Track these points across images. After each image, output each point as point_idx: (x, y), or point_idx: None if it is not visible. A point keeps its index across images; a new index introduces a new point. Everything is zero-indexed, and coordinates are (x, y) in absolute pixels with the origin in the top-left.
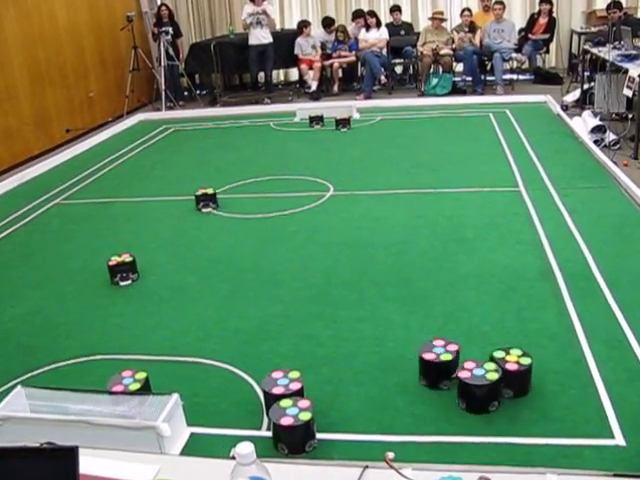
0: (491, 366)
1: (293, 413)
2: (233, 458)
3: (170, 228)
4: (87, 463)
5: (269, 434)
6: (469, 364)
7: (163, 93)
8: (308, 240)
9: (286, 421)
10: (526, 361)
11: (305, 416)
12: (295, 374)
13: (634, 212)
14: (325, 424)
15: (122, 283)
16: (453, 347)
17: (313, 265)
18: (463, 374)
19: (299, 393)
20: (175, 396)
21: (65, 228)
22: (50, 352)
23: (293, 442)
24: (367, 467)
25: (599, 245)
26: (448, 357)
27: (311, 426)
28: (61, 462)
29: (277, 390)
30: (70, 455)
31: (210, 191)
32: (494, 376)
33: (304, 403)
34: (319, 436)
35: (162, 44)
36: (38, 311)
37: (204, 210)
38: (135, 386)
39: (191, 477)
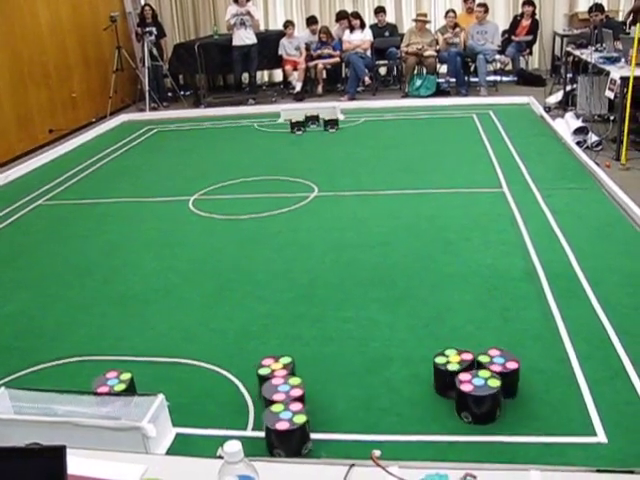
0: (486, 373)
1: (287, 417)
2: (220, 457)
3: (154, 229)
4: (74, 463)
5: (255, 434)
6: (464, 375)
7: (147, 94)
8: (292, 241)
9: (282, 426)
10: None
11: (300, 419)
12: (296, 380)
13: (616, 213)
14: (311, 424)
15: None
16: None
17: (297, 266)
18: (464, 387)
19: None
20: (160, 397)
21: (49, 229)
22: (34, 353)
23: (290, 447)
24: (353, 465)
25: (582, 245)
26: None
27: (306, 428)
28: (49, 462)
29: (278, 397)
30: (58, 454)
31: (300, 119)
32: (496, 382)
33: (296, 406)
34: None
35: (146, 44)
36: (21, 312)
37: (297, 133)
38: (120, 387)
39: (178, 476)
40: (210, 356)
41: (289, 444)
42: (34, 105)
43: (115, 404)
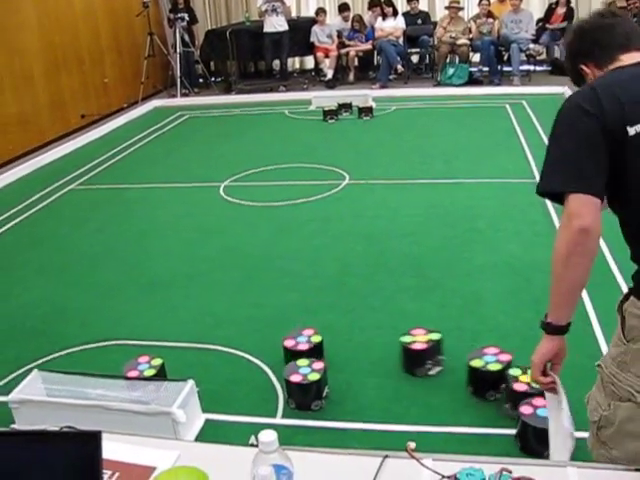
0: None
1: (304, 372)
2: (252, 445)
3: (183, 215)
4: (107, 448)
5: (283, 422)
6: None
7: (178, 80)
8: (323, 229)
9: (295, 378)
10: None
11: (314, 377)
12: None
13: None
14: (341, 413)
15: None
16: (505, 357)
17: (328, 254)
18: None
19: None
20: (190, 382)
21: (79, 214)
22: (64, 337)
23: (300, 399)
24: (387, 456)
25: (614, 237)
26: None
27: (320, 387)
28: (84, 446)
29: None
30: (93, 440)
31: (333, 107)
32: None
33: (318, 365)
34: (334, 424)
35: (177, 31)
36: (50, 297)
37: (330, 121)
38: (150, 372)
39: (210, 464)
40: (240, 343)
41: (299, 396)
42: (67, 90)
43: (146, 389)
